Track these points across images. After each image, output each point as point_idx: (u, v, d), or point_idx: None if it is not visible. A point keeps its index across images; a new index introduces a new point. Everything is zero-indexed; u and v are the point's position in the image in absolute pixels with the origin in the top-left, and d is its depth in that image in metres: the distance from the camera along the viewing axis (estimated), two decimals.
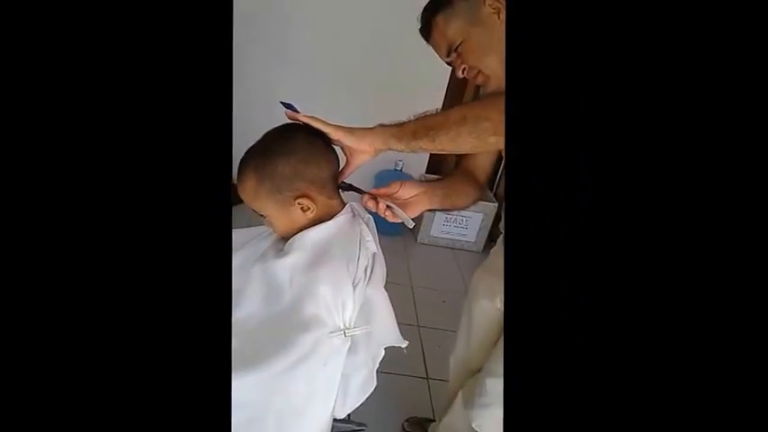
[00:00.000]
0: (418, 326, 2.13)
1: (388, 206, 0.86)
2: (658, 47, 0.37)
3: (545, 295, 0.40)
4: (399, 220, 0.88)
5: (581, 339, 0.39)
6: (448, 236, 2.89)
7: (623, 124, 0.38)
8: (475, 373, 1.29)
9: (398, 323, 0.84)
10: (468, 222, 2.83)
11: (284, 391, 0.75)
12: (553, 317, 0.40)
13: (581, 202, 0.39)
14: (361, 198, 0.88)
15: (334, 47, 2.54)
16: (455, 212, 2.77)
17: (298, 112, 0.84)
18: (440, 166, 2.98)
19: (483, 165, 1.12)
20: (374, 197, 0.86)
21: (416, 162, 2.89)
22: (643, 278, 0.38)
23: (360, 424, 1.52)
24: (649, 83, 0.38)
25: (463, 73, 0.97)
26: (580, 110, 0.38)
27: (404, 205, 0.88)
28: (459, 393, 1.31)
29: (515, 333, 0.42)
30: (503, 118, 0.74)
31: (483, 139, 0.76)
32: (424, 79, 2.36)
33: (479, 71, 0.95)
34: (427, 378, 1.86)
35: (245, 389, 0.72)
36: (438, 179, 1.09)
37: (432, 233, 2.89)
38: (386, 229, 2.98)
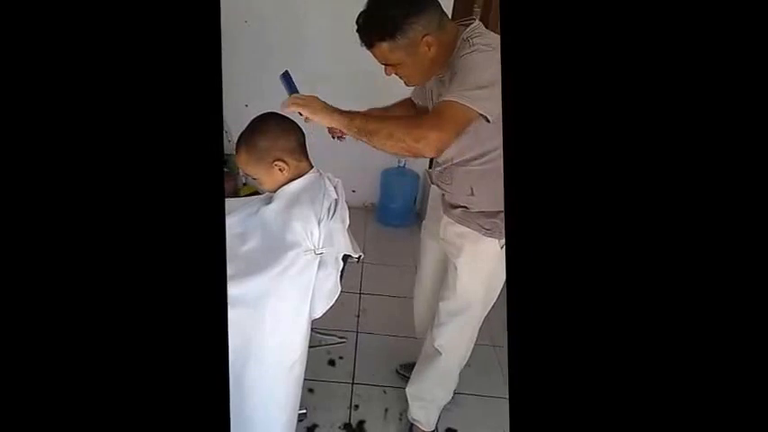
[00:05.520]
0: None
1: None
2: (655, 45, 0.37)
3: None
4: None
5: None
6: None
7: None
8: (427, 304, 1.71)
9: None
10: None
11: (275, 293, 1.14)
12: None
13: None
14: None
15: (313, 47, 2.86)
16: None
17: (294, 86, 1.20)
18: None
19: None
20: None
21: (419, 161, 3.25)
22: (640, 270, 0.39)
23: (341, 337, 1.92)
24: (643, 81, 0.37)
25: (389, 74, 1.25)
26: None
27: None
28: (422, 324, 1.74)
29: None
30: (413, 144, 1.09)
31: (399, 151, 1.11)
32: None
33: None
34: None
35: (250, 290, 1.12)
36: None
37: None
38: (398, 222, 3.27)
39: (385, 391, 1.94)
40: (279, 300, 1.15)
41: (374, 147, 1.13)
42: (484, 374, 2.02)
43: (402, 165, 3.15)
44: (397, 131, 1.10)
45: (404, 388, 1.92)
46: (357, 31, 1.18)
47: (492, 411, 1.91)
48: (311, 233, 1.16)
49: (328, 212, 1.21)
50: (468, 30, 1.20)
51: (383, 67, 1.24)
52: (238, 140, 1.21)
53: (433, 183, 1.58)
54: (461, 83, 1.11)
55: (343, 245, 1.22)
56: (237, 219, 1.25)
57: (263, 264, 1.14)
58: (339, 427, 1.75)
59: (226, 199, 1.37)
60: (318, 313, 1.23)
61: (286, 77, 1.23)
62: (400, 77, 1.26)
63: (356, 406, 1.85)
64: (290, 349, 1.20)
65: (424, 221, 1.74)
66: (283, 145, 1.20)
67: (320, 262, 1.19)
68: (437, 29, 1.17)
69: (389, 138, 1.09)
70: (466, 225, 1.40)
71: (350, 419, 1.79)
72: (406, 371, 1.96)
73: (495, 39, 1.18)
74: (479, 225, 1.38)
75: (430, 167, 3.21)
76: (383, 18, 1.14)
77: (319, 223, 1.18)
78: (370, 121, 1.15)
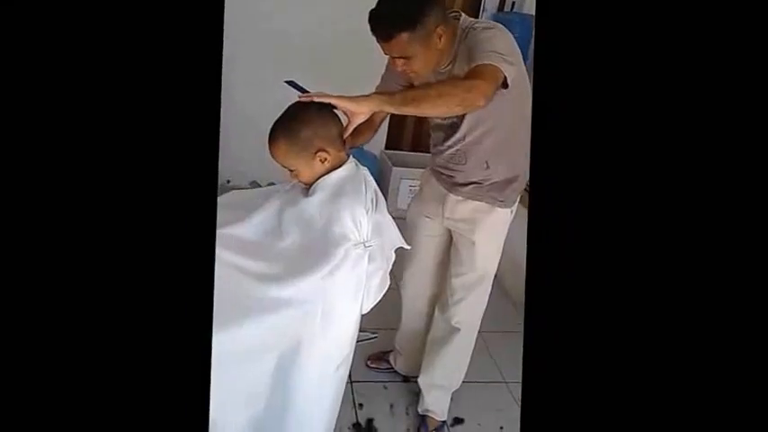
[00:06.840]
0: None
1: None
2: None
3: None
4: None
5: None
6: None
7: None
8: (425, 285, 1.69)
9: None
10: None
11: (328, 291, 1.03)
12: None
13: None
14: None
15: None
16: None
17: (303, 88, 1.09)
18: (396, 142, 3.28)
19: (380, 116, 1.42)
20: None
21: (375, 140, 3.16)
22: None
23: (373, 332, 1.82)
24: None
25: (400, 67, 1.24)
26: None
27: None
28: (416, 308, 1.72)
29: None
30: (465, 95, 1.08)
31: (451, 108, 1.11)
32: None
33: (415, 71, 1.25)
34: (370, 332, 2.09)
35: (301, 291, 1.00)
36: None
37: (399, 206, 3.15)
38: None
39: (385, 387, 1.88)
40: (330, 299, 1.04)
41: (421, 113, 1.17)
42: (476, 360, 2.00)
43: (360, 145, 3.04)
44: (444, 89, 1.12)
45: (402, 381, 1.87)
46: (373, 26, 1.17)
47: (492, 397, 1.90)
48: (360, 224, 1.06)
49: (372, 204, 1.11)
50: (463, 20, 1.28)
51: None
52: (274, 130, 1.08)
53: (436, 167, 1.52)
54: (483, 51, 1.16)
55: (396, 238, 1.13)
56: (270, 212, 1.11)
57: (310, 262, 1.02)
58: (349, 428, 1.66)
59: (247, 190, 1.21)
60: (366, 309, 1.14)
61: (292, 83, 1.15)
62: (409, 73, 1.27)
63: (360, 405, 1.76)
64: (337, 349, 1.10)
65: (411, 205, 1.71)
66: (326, 134, 1.09)
67: (370, 254, 1.08)
68: (444, 20, 1.22)
69: (440, 96, 1.09)
70: (479, 200, 1.43)
71: (357, 419, 1.70)
72: (377, 363, 1.95)
73: (491, 23, 1.30)
74: (493, 198, 1.43)
75: (386, 149, 3.23)
76: (403, 10, 1.16)
77: (366, 213, 1.08)
78: (409, 90, 1.16)
